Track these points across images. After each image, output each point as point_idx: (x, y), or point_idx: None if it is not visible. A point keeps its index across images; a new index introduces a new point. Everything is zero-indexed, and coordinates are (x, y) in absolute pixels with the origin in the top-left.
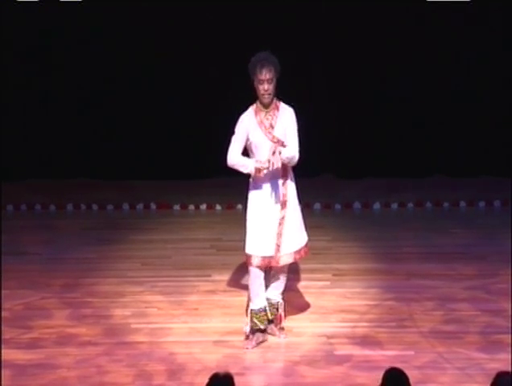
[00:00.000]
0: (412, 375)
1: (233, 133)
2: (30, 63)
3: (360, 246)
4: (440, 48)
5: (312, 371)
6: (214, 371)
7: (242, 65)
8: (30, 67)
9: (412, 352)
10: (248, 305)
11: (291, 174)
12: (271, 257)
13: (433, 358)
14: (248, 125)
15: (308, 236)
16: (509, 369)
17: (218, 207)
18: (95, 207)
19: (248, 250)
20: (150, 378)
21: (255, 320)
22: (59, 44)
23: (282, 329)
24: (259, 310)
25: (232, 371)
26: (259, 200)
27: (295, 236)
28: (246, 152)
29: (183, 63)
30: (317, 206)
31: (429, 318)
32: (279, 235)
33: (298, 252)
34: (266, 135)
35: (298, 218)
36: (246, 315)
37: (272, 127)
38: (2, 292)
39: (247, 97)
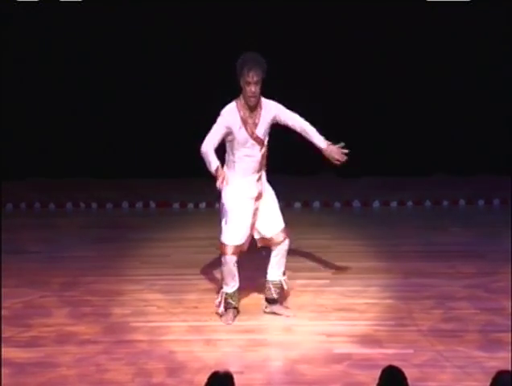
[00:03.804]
0: (411, 373)
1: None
2: (30, 62)
3: (359, 244)
4: (440, 47)
5: (312, 370)
6: (214, 370)
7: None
8: (30, 67)
9: (411, 351)
10: (221, 288)
11: (265, 168)
12: (243, 245)
13: (432, 356)
14: (231, 121)
15: (307, 234)
16: (509, 368)
17: (217, 206)
18: (94, 205)
19: (223, 240)
20: (149, 376)
21: (230, 300)
22: (60, 44)
23: (287, 307)
24: (234, 292)
25: (231, 369)
26: (234, 195)
27: (270, 224)
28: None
29: (182, 62)
30: (316, 204)
31: (428, 316)
32: (253, 225)
33: (275, 236)
34: (249, 134)
35: (274, 208)
36: (218, 296)
37: (256, 125)
38: (2, 290)
39: None
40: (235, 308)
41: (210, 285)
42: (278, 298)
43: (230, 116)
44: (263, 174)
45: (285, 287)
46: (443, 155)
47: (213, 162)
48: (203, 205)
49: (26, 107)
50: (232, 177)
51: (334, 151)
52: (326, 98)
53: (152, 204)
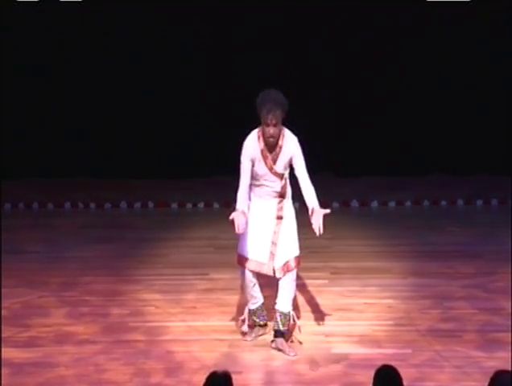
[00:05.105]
0: (409, 373)
1: (239, 160)
2: (30, 62)
3: (358, 244)
4: (440, 48)
5: (310, 370)
6: (212, 370)
7: (241, 67)
8: (29, 67)
9: (410, 350)
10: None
11: (288, 194)
12: (265, 264)
13: (430, 356)
14: (253, 153)
15: (305, 234)
16: (508, 367)
17: (216, 206)
18: (93, 205)
19: (240, 251)
20: (147, 376)
21: (254, 317)
22: (60, 44)
23: (291, 343)
24: (257, 308)
25: (230, 369)
26: (256, 214)
27: (287, 249)
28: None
29: (182, 64)
30: None
31: (427, 316)
32: (274, 244)
33: (289, 262)
34: (268, 168)
35: (292, 234)
36: (243, 313)
37: (275, 161)
38: (1, 290)
39: (246, 98)
40: (261, 326)
41: (208, 286)
42: (286, 331)
43: (251, 147)
44: (286, 200)
45: (297, 321)
46: (442, 155)
47: (239, 206)
48: (201, 205)
49: (26, 107)
50: (253, 198)
51: (317, 217)
52: (325, 98)
53: (150, 204)
